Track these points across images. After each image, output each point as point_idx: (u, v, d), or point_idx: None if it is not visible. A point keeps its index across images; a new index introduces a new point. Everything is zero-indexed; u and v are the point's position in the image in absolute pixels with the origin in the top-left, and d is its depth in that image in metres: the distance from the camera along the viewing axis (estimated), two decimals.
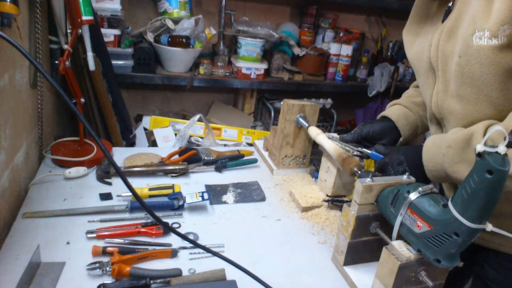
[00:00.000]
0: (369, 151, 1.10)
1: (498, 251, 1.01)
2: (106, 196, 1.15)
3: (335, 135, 1.23)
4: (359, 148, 1.14)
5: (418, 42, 1.01)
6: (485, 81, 0.83)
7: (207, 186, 1.28)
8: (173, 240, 1.01)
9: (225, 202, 1.22)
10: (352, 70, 2.82)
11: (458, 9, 0.89)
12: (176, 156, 1.41)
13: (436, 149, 0.90)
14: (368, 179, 0.91)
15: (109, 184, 1.22)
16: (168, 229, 1.00)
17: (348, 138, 1.17)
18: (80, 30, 1.21)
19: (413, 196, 0.82)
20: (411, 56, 1.05)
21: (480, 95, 0.85)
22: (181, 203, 1.13)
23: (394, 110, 1.19)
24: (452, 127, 0.94)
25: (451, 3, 0.93)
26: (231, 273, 0.90)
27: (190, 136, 2.16)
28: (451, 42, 0.89)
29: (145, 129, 2.16)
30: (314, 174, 1.45)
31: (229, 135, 2.29)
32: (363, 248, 0.97)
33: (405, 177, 0.92)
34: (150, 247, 0.98)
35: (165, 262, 0.95)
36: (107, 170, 1.25)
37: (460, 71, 0.86)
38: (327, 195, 1.24)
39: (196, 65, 2.43)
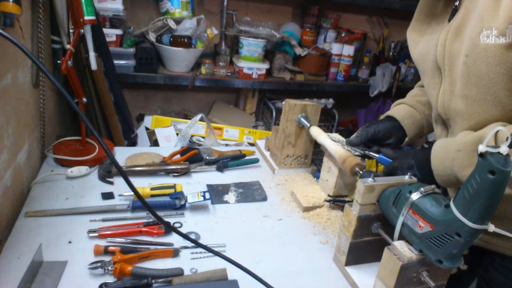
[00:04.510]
0: (377, 155, 1.09)
1: (503, 254, 1.00)
2: (108, 196, 1.16)
3: (341, 137, 1.23)
4: (366, 152, 1.13)
5: (423, 42, 1.00)
6: (492, 80, 0.82)
7: (209, 186, 1.28)
8: (175, 240, 1.01)
9: (226, 202, 1.22)
10: (354, 70, 2.82)
11: (465, 7, 0.88)
12: (178, 156, 1.41)
13: (445, 154, 0.89)
14: (370, 179, 0.90)
15: (111, 183, 1.23)
16: (169, 229, 1.00)
17: (355, 141, 1.15)
18: (82, 30, 1.22)
19: (415, 196, 0.82)
20: (416, 56, 1.03)
21: (486, 95, 0.84)
22: (182, 202, 1.13)
23: (399, 110, 1.17)
24: (458, 128, 0.93)
25: (458, 2, 0.92)
26: (233, 273, 0.90)
27: (192, 136, 2.16)
28: (458, 42, 0.88)
29: (147, 128, 2.16)
30: (316, 174, 1.45)
31: (231, 135, 2.29)
32: (364, 248, 0.97)
33: (406, 177, 0.92)
34: (151, 247, 0.98)
35: (166, 261, 0.95)
36: (109, 170, 1.26)
37: (467, 70, 0.85)
38: (329, 195, 1.24)
39: (198, 65, 2.43)
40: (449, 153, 0.88)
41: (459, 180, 0.86)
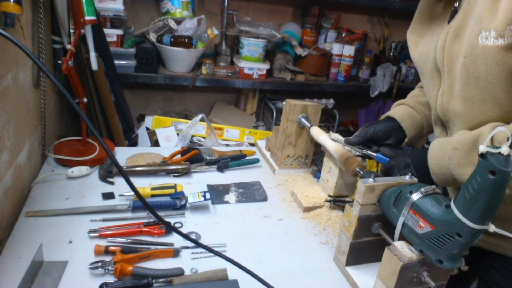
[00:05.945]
0: (375, 154, 1.09)
1: (504, 255, 1.00)
2: (108, 196, 1.16)
3: (340, 137, 1.23)
4: (365, 151, 1.13)
5: (423, 43, 1.00)
6: (491, 81, 0.82)
7: (209, 186, 1.28)
8: (175, 240, 1.01)
9: (227, 202, 1.22)
10: (354, 70, 2.82)
11: (464, 9, 0.88)
12: (178, 156, 1.41)
13: (442, 152, 0.89)
14: (370, 179, 0.90)
15: (112, 183, 1.23)
16: (170, 229, 1.01)
17: (354, 140, 1.16)
18: (83, 30, 1.22)
19: (415, 196, 0.82)
20: (415, 57, 1.03)
21: (485, 96, 0.84)
22: (183, 202, 1.13)
23: (398, 110, 1.18)
24: (457, 129, 0.93)
25: (457, 3, 0.92)
26: (233, 273, 0.90)
27: (192, 136, 2.16)
28: (458, 43, 0.88)
29: (147, 128, 2.17)
30: (316, 174, 1.45)
31: (231, 135, 2.29)
32: (365, 248, 0.97)
33: (407, 177, 0.92)
34: (152, 247, 0.98)
35: (167, 261, 0.95)
36: (109, 170, 1.26)
37: (465, 72, 0.85)
38: (329, 195, 1.24)
39: (198, 65, 2.43)
40: (446, 151, 0.88)
41: (455, 178, 0.87)
